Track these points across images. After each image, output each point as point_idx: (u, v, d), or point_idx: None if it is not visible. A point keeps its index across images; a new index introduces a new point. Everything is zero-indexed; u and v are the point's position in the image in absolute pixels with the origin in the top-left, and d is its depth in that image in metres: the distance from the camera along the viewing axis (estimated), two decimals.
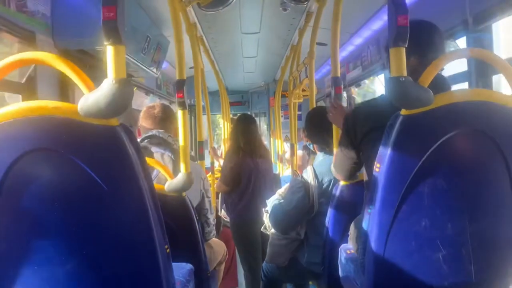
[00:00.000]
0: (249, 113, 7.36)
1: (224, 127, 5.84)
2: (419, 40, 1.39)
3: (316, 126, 2.44)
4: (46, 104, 1.05)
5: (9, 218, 1.05)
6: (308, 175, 2.30)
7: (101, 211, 1.07)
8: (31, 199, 1.04)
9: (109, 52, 1.03)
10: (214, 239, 2.67)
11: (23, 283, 1.06)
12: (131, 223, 1.08)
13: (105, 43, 1.03)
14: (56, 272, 1.07)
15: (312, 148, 2.65)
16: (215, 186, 3.75)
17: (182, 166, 1.86)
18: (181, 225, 1.82)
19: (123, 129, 1.07)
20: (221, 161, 4.70)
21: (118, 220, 1.07)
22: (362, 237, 1.42)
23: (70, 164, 1.03)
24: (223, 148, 5.74)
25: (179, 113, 1.95)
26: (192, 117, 6.61)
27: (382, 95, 1.66)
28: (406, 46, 1.17)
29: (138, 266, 1.10)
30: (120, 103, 1.02)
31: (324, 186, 2.27)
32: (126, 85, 1.03)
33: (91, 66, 2.39)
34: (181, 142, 1.91)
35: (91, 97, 1.02)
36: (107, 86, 1.01)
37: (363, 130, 1.55)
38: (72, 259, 1.07)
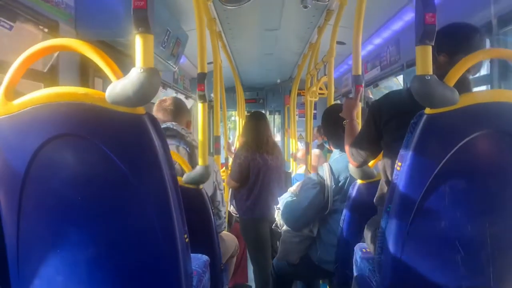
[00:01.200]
0: (263, 110, 7.35)
1: (239, 124, 5.85)
2: (453, 40, 1.40)
3: (333, 123, 2.43)
4: (76, 90, 1.07)
5: (34, 199, 1.07)
6: (324, 171, 2.29)
7: (124, 198, 1.08)
8: (56, 183, 1.06)
9: (138, 41, 1.04)
10: (225, 232, 2.68)
11: (46, 265, 1.08)
12: (153, 210, 1.09)
13: (134, 31, 1.04)
14: (78, 256, 1.09)
15: (328, 146, 2.64)
16: (226, 182, 3.77)
17: (200, 159, 1.87)
18: (197, 217, 1.83)
19: (149, 118, 1.08)
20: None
21: (141, 207, 1.08)
22: (380, 235, 1.41)
23: (96, 150, 1.04)
24: (236, 144, 5.75)
25: (199, 106, 1.96)
26: (209, 112, 6.63)
27: (401, 89, 1.67)
28: (433, 44, 1.17)
29: (158, 254, 1.11)
30: (147, 92, 1.03)
31: (340, 183, 2.26)
32: (154, 74, 1.04)
33: (111, 57, 2.41)
34: (200, 135, 1.92)
35: (119, 85, 1.03)
36: (135, 74, 1.02)
37: (385, 117, 1.57)
38: (94, 244, 1.09)
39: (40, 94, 1.06)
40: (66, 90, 1.07)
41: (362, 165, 1.91)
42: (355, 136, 1.85)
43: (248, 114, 5.00)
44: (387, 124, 1.55)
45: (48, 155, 1.05)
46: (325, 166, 2.31)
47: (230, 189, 3.87)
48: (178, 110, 2.37)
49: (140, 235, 1.09)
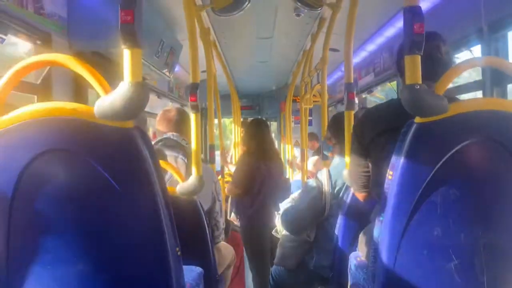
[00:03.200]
0: (259, 117, 7.36)
1: (234, 131, 5.85)
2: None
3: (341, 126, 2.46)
4: (63, 105, 1.06)
5: (23, 217, 1.06)
6: (322, 176, 2.31)
7: (114, 212, 1.07)
8: (45, 199, 1.05)
9: (126, 55, 1.04)
10: (222, 242, 2.67)
11: (35, 282, 1.07)
12: (144, 225, 1.08)
13: (122, 46, 1.04)
14: (68, 272, 1.07)
15: (329, 153, 2.65)
16: (226, 189, 3.76)
17: (193, 169, 1.86)
18: (191, 228, 1.82)
19: (138, 131, 1.08)
20: (230, 167, 4.71)
21: (131, 221, 1.07)
22: (373, 245, 1.41)
23: (85, 165, 1.04)
24: (233, 151, 5.75)
25: (192, 116, 1.96)
26: (203, 121, 6.63)
27: (391, 99, 1.66)
28: (421, 54, 1.17)
29: (149, 268, 1.10)
30: (136, 106, 1.03)
31: (337, 188, 2.29)
32: (142, 88, 1.04)
33: (105, 68, 2.42)
34: (193, 145, 1.92)
35: (107, 100, 1.03)
36: (124, 89, 1.02)
37: (371, 134, 1.55)
38: (84, 259, 1.08)
39: (28, 110, 1.06)
40: (55, 106, 1.07)
41: (361, 189, 1.82)
42: (349, 166, 1.83)
43: (248, 120, 5.00)
44: (375, 140, 1.54)
45: (37, 171, 1.05)
46: (324, 171, 2.33)
47: (230, 197, 3.86)
48: (182, 120, 2.37)
49: (130, 250, 1.09)
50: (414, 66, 1.17)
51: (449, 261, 1.23)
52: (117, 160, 1.07)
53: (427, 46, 1.18)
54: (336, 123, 2.51)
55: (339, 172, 2.25)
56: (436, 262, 1.24)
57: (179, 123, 2.34)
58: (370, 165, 1.64)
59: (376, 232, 1.36)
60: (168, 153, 2.20)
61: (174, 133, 2.27)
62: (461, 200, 1.23)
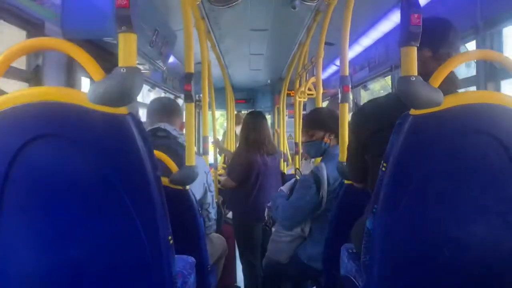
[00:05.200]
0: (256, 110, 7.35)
1: (228, 124, 5.84)
2: (433, 34, 1.40)
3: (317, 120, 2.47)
4: (55, 90, 1.05)
5: (16, 202, 1.05)
6: (320, 170, 2.30)
7: (106, 198, 1.07)
8: (38, 184, 1.04)
9: (121, 40, 1.03)
10: (214, 233, 2.66)
11: (28, 268, 1.06)
12: (136, 211, 1.07)
13: (117, 30, 1.02)
14: (59, 258, 1.07)
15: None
16: (222, 181, 3.75)
17: (186, 159, 1.85)
18: (184, 218, 1.82)
19: (131, 118, 1.07)
20: (225, 153, 4.69)
21: (124, 208, 1.07)
22: (366, 236, 1.41)
23: (78, 150, 1.03)
24: (226, 142, 5.74)
25: (186, 106, 1.95)
26: (197, 112, 6.61)
27: (388, 93, 1.65)
28: (418, 45, 1.17)
29: (142, 255, 1.10)
30: (130, 91, 1.02)
31: (332, 182, 2.29)
32: (136, 73, 1.03)
33: (97, 57, 2.39)
34: (186, 135, 1.91)
35: (101, 84, 1.02)
36: (118, 74, 1.01)
37: (370, 129, 1.54)
38: (76, 245, 1.07)
39: (20, 94, 1.05)
40: (47, 90, 1.05)
41: (360, 182, 1.82)
42: (347, 161, 1.83)
43: (242, 114, 4.98)
44: (374, 135, 1.53)
45: (29, 156, 1.04)
46: (322, 165, 2.32)
47: (224, 190, 3.85)
48: (173, 111, 2.36)
49: (123, 237, 1.08)
50: (410, 57, 1.17)
51: (441, 253, 1.24)
52: (110, 146, 1.06)
53: None
54: (311, 117, 2.52)
55: (333, 165, 2.26)
56: (428, 253, 1.25)
57: (170, 113, 2.33)
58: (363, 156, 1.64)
59: (369, 223, 1.36)
60: (160, 142, 2.19)
61: (166, 123, 2.25)
62: (455, 192, 1.23)
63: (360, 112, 1.63)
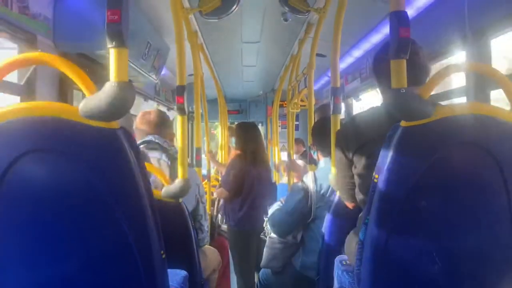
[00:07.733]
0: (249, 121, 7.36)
1: (221, 135, 5.84)
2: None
3: (322, 133, 2.47)
4: (46, 104, 1.05)
5: (7, 217, 1.04)
6: (308, 179, 2.34)
7: (98, 213, 1.06)
8: (28, 199, 1.03)
9: (112, 55, 1.03)
10: (208, 246, 2.66)
11: (16, 284, 1.04)
12: (128, 226, 1.07)
13: (109, 45, 1.03)
14: (49, 274, 1.06)
15: (316, 157, 2.66)
16: (215, 192, 3.75)
17: (179, 172, 1.85)
18: (176, 231, 1.81)
19: (123, 133, 1.07)
20: (220, 168, 4.70)
21: (115, 223, 1.06)
22: (359, 248, 1.41)
23: (69, 165, 1.03)
24: (219, 154, 5.74)
25: (178, 119, 1.95)
26: (190, 124, 6.61)
27: (372, 107, 1.66)
28: (407, 57, 1.18)
29: (133, 270, 1.09)
30: (121, 106, 1.02)
31: (322, 191, 2.32)
32: (128, 88, 1.03)
33: (90, 70, 2.39)
34: (179, 148, 1.91)
35: (92, 99, 1.02)
36: (109, 88, 1.01)
37: (356, 144, 1.56)
38: (68, 261, 1.06)
39: (9, 109, 1.04)
40: (36, 105, 1.05)
41: (351, 200, 1.79)
42: (336, 177, 1.82)
43: (232, 125, 4.98)
44: (361, 149, 1.54)
45: (21, 171, 1.03)
46: (310, 174, 2.36)
47: (216, 201, 3.86)
48: (162, 123, 2.37)
49: (114, 252, 1.07)
50: (400, 70, 1.18)
51: (433, 264, 1.24)
52: (101, 161, 1.06)
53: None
54: (317, 129, 2.54)
55: (325, 175, 2.27)
56: (420, 265, 1.25)
57: (159, 125, 2.34)
58: (351, 171, 1.64)
59: (361, 235, 1.37)
60: (151, 155, 2.19)
61: (156, 135, 2.26)
62: (446, 204, 1.24)
63: (344, 129, 1.64)
